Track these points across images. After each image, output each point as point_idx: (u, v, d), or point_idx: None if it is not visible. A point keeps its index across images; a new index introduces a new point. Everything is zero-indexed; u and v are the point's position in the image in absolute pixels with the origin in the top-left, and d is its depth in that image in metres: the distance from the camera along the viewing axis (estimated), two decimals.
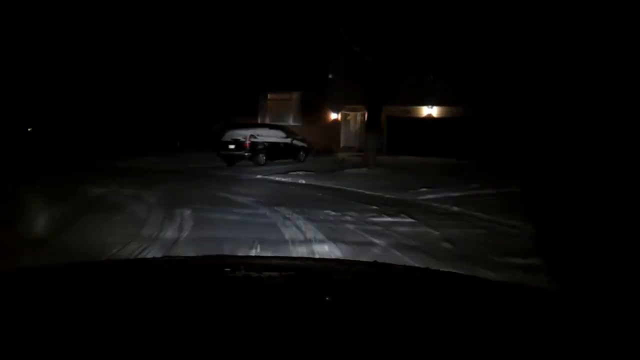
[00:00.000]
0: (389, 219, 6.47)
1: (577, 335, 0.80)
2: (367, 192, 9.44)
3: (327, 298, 0.91)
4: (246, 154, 16.11)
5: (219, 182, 10.86)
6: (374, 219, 6.45)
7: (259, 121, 24.13)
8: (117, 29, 20.54)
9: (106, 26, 20.37)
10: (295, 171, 13.60)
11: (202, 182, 10.64)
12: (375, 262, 1.35)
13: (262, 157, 16.36)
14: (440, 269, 1.27)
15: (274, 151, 16.81)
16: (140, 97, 20.98)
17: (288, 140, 17.80)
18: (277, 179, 12.02)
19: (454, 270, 1.27)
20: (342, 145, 24.38)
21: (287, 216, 6.50)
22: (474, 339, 0.74)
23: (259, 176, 12.52)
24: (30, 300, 0.87)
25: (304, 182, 11.33)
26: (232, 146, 16.35)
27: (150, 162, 16.24)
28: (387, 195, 9.01)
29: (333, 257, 3.58)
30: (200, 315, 0.79)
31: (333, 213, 6.81)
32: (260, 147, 16.39)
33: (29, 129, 21.61)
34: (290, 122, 23.84)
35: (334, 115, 25.05)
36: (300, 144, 18.23)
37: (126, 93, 20.97)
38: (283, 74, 24.08)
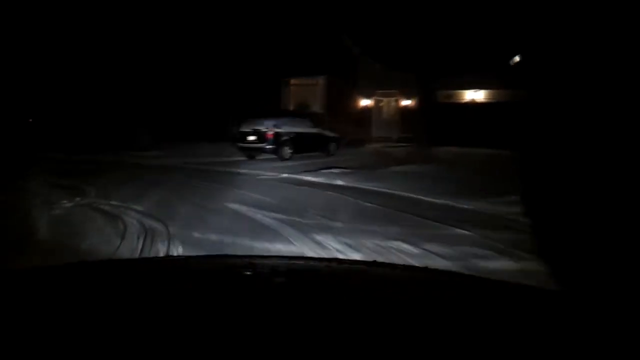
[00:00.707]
0: (512, 264, 4.03)
1: (578, 336, 0.79)
2: (431, 200, 7.01)
3: (327, 298, 0.91)
4: (268, 146, 13.79)
5: (234, 185, 8.53)
6: (481, 263, 4.01)
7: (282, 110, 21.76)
8: (126, 16, 18.73)
9: (115, 13, 18.59)
10: (327, 168, 11.21)
11: (212, 185, 8.31)
12: (375, 261, 1.29)
13: (287, 151, 14.02)
14: (440, 269, 1.30)
15: (300, 143, 14.43)
16: (149, 86, 18.90)
17: (316, 130, 15.39)
18: (306, 178, 9.66)
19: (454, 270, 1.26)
20: (373, 135, 21.87)
21: (333, 247, 4.16)
22: (474, 338, 0.73)
23: (284, 175, 10.18)
24: (29, 300, 0.86)
25: (341, 183, 8.95)
26: (252, 137, 14.05)
27: (153, 157, 14.03)
28: (461, 206, 6.56)
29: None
30: (201, 315, 0.78)
31: (405, 247, 4.39)
32: (284, 138, 14.03)
33: (29, 120, 19.81)
34: (316, 109, 21.40)
35: (364, 102, 22.51)
36: (330, 134, 15.81)
37: (134, 82, 18.94)
38: (307, 57, 21.69)
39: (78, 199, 6.47)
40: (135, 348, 0.67)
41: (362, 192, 7.79)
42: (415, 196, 7.30)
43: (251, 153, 14.21)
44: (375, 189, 8.17)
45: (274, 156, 13.89)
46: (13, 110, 19.38)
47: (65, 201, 6.26)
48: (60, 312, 0.80)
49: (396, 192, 7.74)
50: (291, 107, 22.05)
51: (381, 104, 22.32)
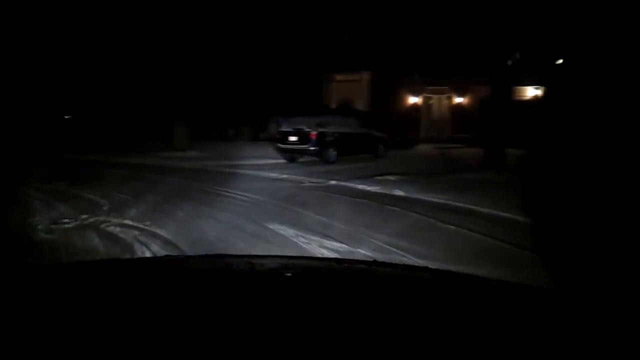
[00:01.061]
0: None
1: (578, 335, 0.79)
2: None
3: (327, 298, 0.91)
4: (312, 148, 12.34)
5: (276, 195, 7.10)
6: None
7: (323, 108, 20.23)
8: (166, 12, 17.80)
9: (153, 8, 17.69)
10: (381, 174, 9.67)
11: (253, 199, 6.89)
12: (375, 261, 1.28)
13: (332, 153, 12.53)
14: (440, 269, 1.21)
15: (346, 144, 12.92)
16: (187, 83, 17.84)
17: (363, 130, 13.82)
18: (359, 187, 8.15)
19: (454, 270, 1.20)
20: (422, 135, 20.12)
21: None
22: (474, 338, 0.73)
23: (332, 182, 8.69)
24: (29, 300, 0.85)
25: (403, 194, 7.39)
26: (293, 138, 12.63)
27: (189, 159, 12.84)
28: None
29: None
30: (200, 315, 0.78)
31: None
32: (329, 139, 12.54)
33: (65, 117, 19.16)
34: (360, 107, 19.80)
35: (413, 99, 20.76)
36: (378, 134, 14.22)
37: (172, 79, 17.92)
38: (351, 50, 20.14)
39: (84, 216, 5.15)
40: (135, 348, 0.65)
41: (435, 208, 6.20)
42: (512, 217, 5.62)
43: (292, 155, 12.81)
44: (451, 203, 6.56)
45: (317, 159, 12.45)
46: (50, 107, 18.85)
47: (66, 220, 4.95)
48: (60, 312, 0.79)
49: (482, 210, 6.11)
50: (333, 105, 20.55)
51: (431, 102, 20.53)
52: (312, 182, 8.69)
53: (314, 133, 12.39)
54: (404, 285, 1.09)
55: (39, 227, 4.61)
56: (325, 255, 3.93)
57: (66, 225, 4.69)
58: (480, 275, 1.17)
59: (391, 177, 9.24)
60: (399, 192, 7.57)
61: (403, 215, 5.77)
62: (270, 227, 4.97)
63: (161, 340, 0.68)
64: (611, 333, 0.79)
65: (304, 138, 12.38)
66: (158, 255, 3.74)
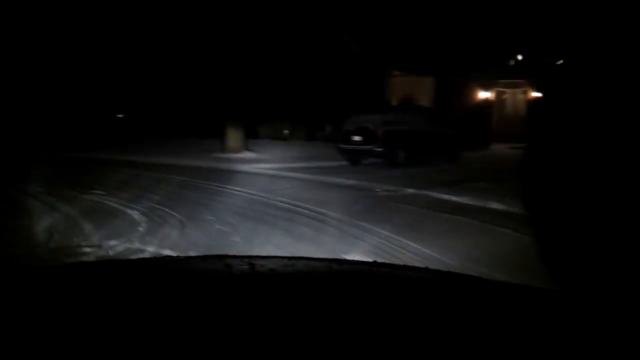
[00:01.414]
0: None
1: (579, 336, 0.79)
2: None
3: (327, 298, 0.90)
4: (378, 148, 11.01)
5: (346, 212, 5.86)
6: None
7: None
8: (214, 11, 17.09)
9: (204, 8, 17.02)
10: (463, 180, 8.25)
11: (315, 216, 5.68)
12: (375, 262, 1.24)
13: (401, 154, 11.15)
14: (441, 269, 1.17)
15: (417, 144, 11.50)
16: (240, 79, 17.00)
17: (436, 129, 12.30)
18: (444, 197, 6.80)
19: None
20: (495, 133, 18.28)
21: None
22: (475, 339, 0.73)
23: (409, 190, 7.37)
24: (28, 300, 0.85)
25: (503, 208, 5.96)
26: (357, 137, 11.36)
27: (243, 161, 11.85)
28: None
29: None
30: (200, 315, 0.78)
31: None
32: (398, 138, 11.17)
33: (118, 116, 18.86)
34: (423, 103, 18.24)
35: (483, 94, 18.94)
36: (452, 133, 12.65)
37: (224, 77, 17.16)
38: (415, 43, 18.64)
39: (112, 242, 4.10)
40: (134, 348, 0.65)
41: None
42: None
43: (355, 157, 11.53)
44: None
45: (382, 161, 11.12)
46: (106, 105, 18.70)
47: (85, 246, 3.89)
48: (59, 312, 0.78)
49: None
50: (394, 102, 19.11)
51: (504, 97, 18.63)
52: (386, 191, 7.39)
53: (380, 132, 11.08)
54: (404, 286, 1.06)
55: (45, 256, 3.59)
56: None
57: (82, 257, 3.61)
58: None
59: (478, 185, 7.79)
60: (496, 206, 6.15)
61: (520, 239, 4.35)
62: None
63: (161, 341, 0.67)
64: (613, 334, 0.79)
65: (369, 137, 11.07)
66: None
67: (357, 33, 18.83)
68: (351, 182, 8.36)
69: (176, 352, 0.65)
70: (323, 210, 5.63)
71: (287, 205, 6.06)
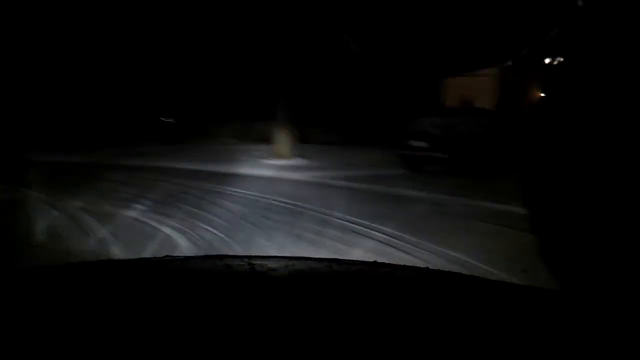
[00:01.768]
0: None
1: (579, 336, 0.78)
2: None
3: (327, 298, 0.88)
4: (442, 155, 10.01)
5: (427, 237, 4.97)
6: None
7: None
8: (257, 14, 16.63)
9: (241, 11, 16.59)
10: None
11: (390, 241, 4.80)
12: (375, 262, 1.22)
13: (467, 160, 10.08)
14: (442, 269, 1.13)
15: (484, 150, 10.41)
16: (287, 83, 16.42)
17: (504, 133, 11.12)
18: None
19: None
20: None
21: None
22: (475, 339, 0.72)
23: (491, 205, 6.36)
24: (28, 300, 0.84)
25: None
26: (419, 143, 10.39)
27: (295, 168, 11.11)
28: None
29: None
30: (200, 315, 0.77)
31: None
32: (466, 144, 10.12)
33: (162, 119, 18.70)
34: (485, 105, 16.96)
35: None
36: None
37: (272, 78, 16.62)
38: (474, 42, 17.44)
39: None
40: (135, 348, 0.65)
41: None
42: None
43: (417, 163, 10.56)
44: None
45: (446, 168, 10.08)
46: (150, 108, 18.64)
47: None
48: (58, 312, 0.77)
49: None
50: (453, 104, 17.94)
51: None
52: (464, 205, 6.42)
53: (444, 136, 10.08)
54: (404, 286, 1.04)
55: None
56: None
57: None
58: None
59: None
60: None
61: None
62: None
63: (161, 341, 0.67)
64: (613, 334, 0.77)
65: (434, 142, 10.09)
66: None
67: (418, 38, 17.90)
68: (419, 193, 7.43)
69: (176, 352, 0.64)
70: (393, 232, 4.74)
71: (358, 227, 5.22)
